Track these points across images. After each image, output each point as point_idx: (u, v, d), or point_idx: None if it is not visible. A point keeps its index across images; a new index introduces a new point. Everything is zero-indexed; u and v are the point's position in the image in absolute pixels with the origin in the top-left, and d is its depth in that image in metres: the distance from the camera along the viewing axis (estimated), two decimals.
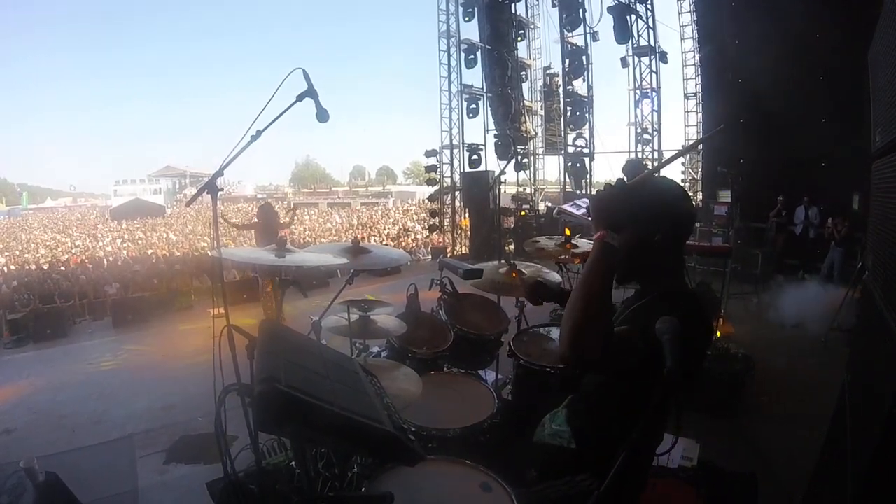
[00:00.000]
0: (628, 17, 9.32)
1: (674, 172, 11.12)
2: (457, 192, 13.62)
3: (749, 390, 3.50)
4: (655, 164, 9.89)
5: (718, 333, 4.39)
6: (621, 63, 9.99)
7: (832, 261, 7.09)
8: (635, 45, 9.65)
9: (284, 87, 1.57)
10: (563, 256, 2.82)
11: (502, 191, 4.09)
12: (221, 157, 1.61)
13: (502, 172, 4.55)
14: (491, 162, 12.72)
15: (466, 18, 12.52)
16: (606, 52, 10.44)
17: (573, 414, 1.55)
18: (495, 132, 12.70)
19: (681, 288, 1.40)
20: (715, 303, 4.73)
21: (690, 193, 5.27)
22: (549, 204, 13.87)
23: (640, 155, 10.05)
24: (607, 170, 12.20)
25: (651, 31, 9.58)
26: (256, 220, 6.09)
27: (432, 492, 1.41)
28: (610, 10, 9.35)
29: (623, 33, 9.35)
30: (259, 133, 1.54)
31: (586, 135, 10.80)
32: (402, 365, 2.21)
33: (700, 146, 10.34)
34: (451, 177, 13.59)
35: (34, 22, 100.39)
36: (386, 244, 16.12)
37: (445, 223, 13.93)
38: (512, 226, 12.14)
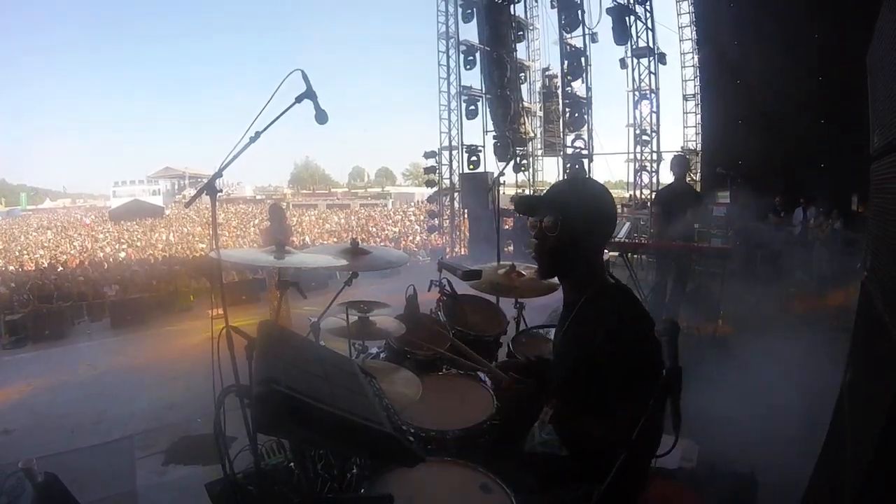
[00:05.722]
0: (627, 19, 9.33)
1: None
2: (456, 194, 13.62)
3: (747, 391, 3.50)
4: (655, 164, 9.91)
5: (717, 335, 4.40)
6: (620, 64, 9.99)
7: (818, 262, 7.00)
8: (634, 47, 9.65)
9: (283, 88, 1.57)
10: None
11: (501, 192, 4.08)
12: (220, 158, 1.62)
13: (501, 174, 4.56)
14: (490, 163, 12.74)
15: (465, 20, 12.54)
16: (605, 53, 10.44)
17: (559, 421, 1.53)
18: (494, 133, 12.71)
19: (606, 287, 1.43)
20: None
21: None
22: None
23: (638, 156, 10.06)
24: (606, 171, 12.18)
25: (650, 33, 9.59)
26: (268, 221, 6.04)
27: (431, 493, 1.41)
28: (609, 11, 9.36)
29: (622, 34, 9.35)
30: (258, 134, 1.54)
31: (585, 136, 10.80)
32: (400, 367, 2.21)
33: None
34: (451, 178, 13.59)
35: (33, 23, 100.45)
36: (385, 245, 16.10)
37: (444, 224, 13.93)
38: (511, 227, 12.14)
